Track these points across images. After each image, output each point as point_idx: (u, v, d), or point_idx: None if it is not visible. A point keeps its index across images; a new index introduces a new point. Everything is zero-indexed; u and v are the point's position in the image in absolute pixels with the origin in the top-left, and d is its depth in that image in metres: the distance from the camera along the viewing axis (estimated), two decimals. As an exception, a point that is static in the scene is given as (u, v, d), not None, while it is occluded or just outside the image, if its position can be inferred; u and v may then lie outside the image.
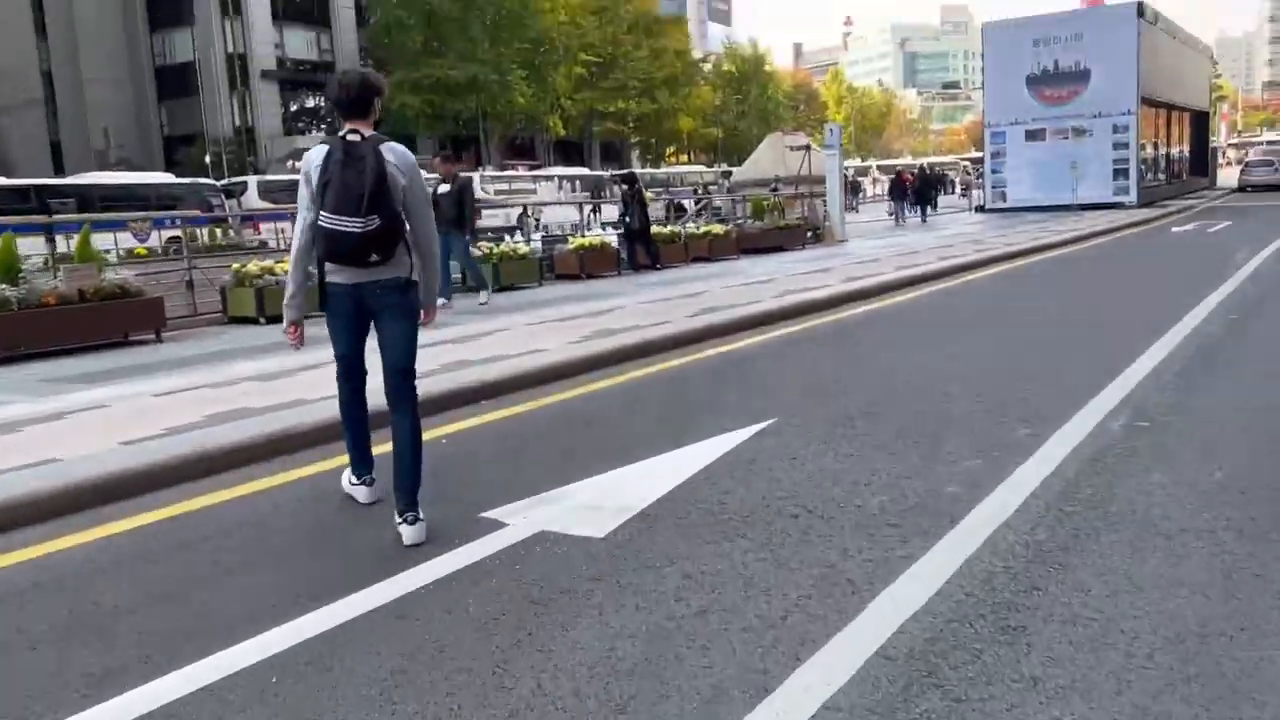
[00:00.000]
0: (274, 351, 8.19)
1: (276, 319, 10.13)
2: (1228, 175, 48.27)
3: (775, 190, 25.85)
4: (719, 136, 72.80)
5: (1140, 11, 30.14)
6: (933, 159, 71.36)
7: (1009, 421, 5.38)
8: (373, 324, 4.11)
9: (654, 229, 15.64)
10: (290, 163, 48.17)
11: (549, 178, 42.22)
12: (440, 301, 10.99)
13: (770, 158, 37.78)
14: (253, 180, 35.37)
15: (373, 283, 3.95)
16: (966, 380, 6.50)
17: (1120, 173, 30.59)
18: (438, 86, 47.98)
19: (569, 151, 63.02)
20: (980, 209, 33.24)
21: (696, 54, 74.39)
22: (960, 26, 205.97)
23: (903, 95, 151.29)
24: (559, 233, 25.52)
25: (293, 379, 6.82)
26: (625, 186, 15.34)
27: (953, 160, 78.48)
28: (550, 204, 32.71)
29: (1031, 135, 31.89)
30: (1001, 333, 8.48)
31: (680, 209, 30.64)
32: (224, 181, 35.77)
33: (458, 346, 7.99)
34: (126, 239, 28.78)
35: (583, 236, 15.48)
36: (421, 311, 4.21)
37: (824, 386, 6.50)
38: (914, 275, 12.58)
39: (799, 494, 4.26)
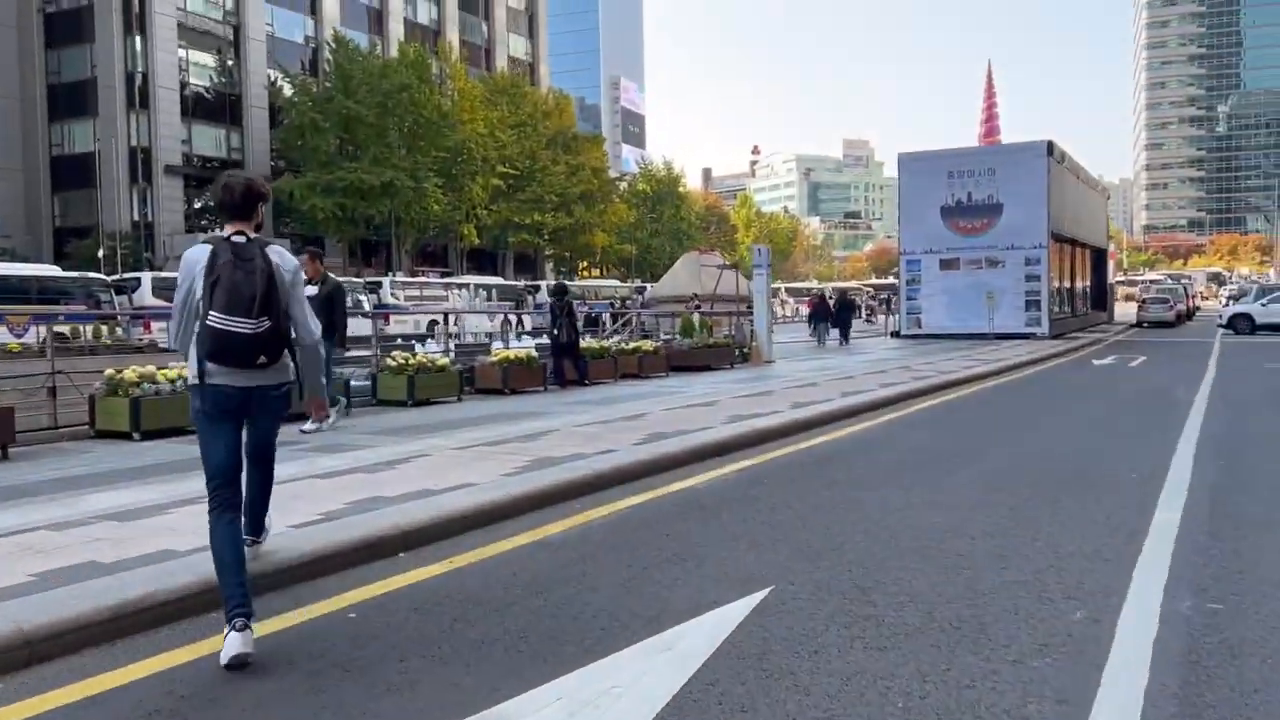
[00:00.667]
0: (143, 478, 6.82)
1: (153, 434, 8.80)
2: (1121, 310, 50.19)
3: (698, 307, 25.38)
4: (633, 253, 73.24)
5: (1050, 150, 31.18)
6: (837, 284, 73.11)
7: (1054, 598, 4.43)
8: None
9: (583, 344, 14.68)
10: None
11: (462, 285, 41.34)
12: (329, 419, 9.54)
13: (686, 275, 37.79)
14: (147, 276, 33.46)
15: (262, 387, 3.98)
16: (974, 537, 5.56)
17: (1032, 304, 31.06)
18: (350, 190, 47.04)
19: (481, 261, 62.37)
20: (896, 334, 33.36)
21: (613, 173, 75.38)
22: (861, 160, 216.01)
23: (807, 222, 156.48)
24: (471, 341, 24.45)
25: (160, 518, 5.50)
26: (555, 298, 14.42)
27: (856, 285, 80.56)
28: (476, 312, 31.80)
29: (946, 264, 32.32)
30: (986, 475, 7.64)
31: (598, 322, 29.96)
32: (115, 277, 33.74)
33: (368, 478, 6.76)
34: (3, 334, 26.76)
35: (506, 348, 14.41)
36: (312, 409, 4.69)
37: (813, 541, 5.47)
38: (862, 403, 11.81)
39: (841, 713, 3.18)
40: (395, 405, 11.68)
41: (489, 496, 5.94)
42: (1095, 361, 21.99)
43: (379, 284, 41.56)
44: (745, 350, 19.71)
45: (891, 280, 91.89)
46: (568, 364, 14.23)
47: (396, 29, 59.29)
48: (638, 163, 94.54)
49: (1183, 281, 57.28)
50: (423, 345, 29.60)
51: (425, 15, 63.25)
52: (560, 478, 6.56)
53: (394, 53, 54.19)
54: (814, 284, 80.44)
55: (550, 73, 77.42)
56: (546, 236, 63.88)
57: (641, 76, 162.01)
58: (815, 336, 30.03)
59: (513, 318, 34.08)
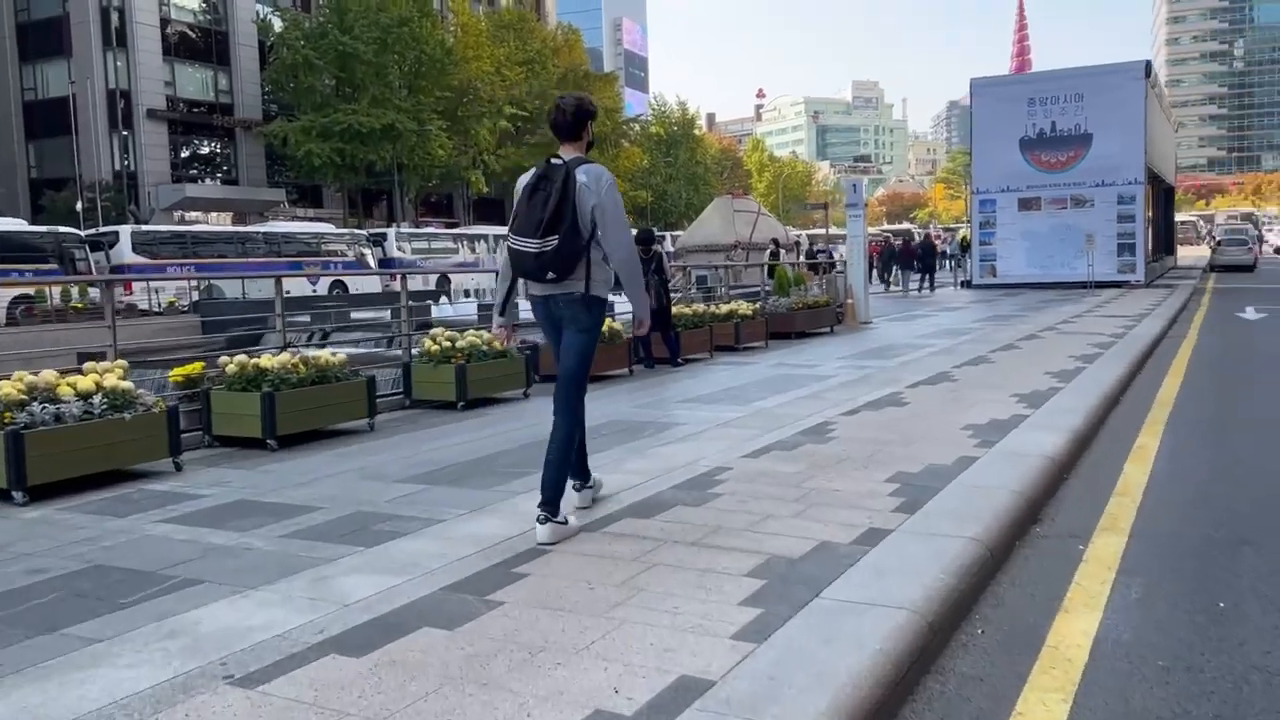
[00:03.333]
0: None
1: (44, 491, 4.87)
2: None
3: (777, 255, 21.85)
4: (649, 199, 69.17)
5: (1147, 71, 27.31)
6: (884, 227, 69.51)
7: None
8: None
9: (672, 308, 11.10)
10: (179, 213, 42.34)
11: (477, 237, 37.60)
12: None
13: (720, 221, 34.18)
14: (125, 230, 29.80)
15: (555, 296, 4.24)
16: None
17: (1125, 248, 27.42)
18: (349, 134, 42.90)
19: (488, 210, 58.40)
20: (967, 284, 29.75)
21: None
22: (871, 101, 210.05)
23: (817, 166, 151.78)
24: (490, 302, 20.86)
25: None
26: (640, 248, 10.82)
27: (875, 232, 76.71)
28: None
29: (1025, 204, 28.63)
30: None
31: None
32: (90, 231, 29.96)
33: (459, 673, 3.24)
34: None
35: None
36: (634, 325, 4.71)
37: None
38: (1101, 397, 8.25)
39: None
40: (438, 407, 8.14)
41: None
42: (1239, 315, 18.47)
43: (384, 236, 37.89)
44: (839, 309, 16.18)
45: (907, 226, 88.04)
46: (656, 338, 10.68)
47: (394, -41, 54.73)
48: (650, 104, 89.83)
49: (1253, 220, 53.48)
50: (435, 306, 26.02)
51: (424, -55, 58.62)
52: (871, 649, 3.00)
53: (392, -16, 49.82)
54: (823, 229, 76.75)
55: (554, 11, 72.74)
56: (558, 183, 59.87)
57: (644, 17, 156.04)
58: (898, 284, 26.59)
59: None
